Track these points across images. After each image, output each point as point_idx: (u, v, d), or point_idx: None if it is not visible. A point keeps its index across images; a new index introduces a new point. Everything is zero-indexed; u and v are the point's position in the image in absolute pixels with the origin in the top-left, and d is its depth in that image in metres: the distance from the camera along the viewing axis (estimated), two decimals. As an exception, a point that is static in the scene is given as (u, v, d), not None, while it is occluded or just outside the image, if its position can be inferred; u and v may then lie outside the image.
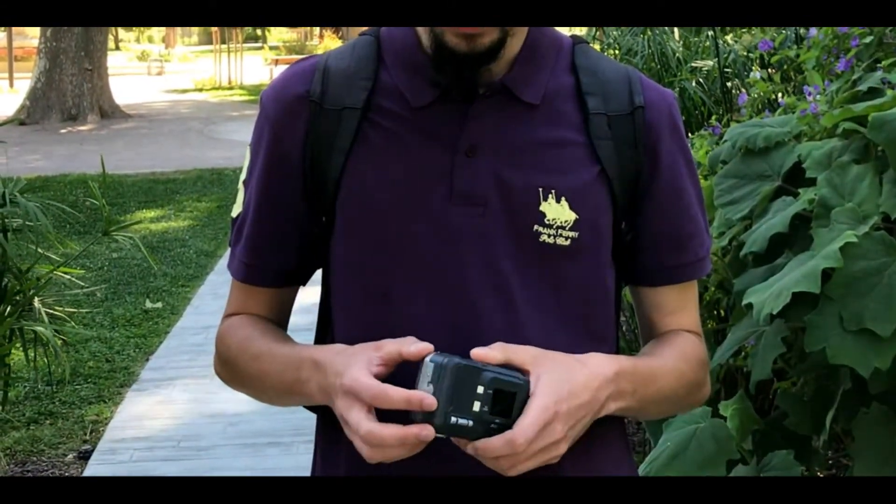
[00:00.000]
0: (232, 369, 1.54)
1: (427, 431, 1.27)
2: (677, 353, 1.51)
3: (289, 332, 1.58)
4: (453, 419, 1.27)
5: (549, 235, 1.41)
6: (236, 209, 1.55)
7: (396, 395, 1.28)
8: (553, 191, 1.41)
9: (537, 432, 1.28)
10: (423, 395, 1.27)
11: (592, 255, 1.45)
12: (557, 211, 1.41)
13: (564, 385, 1.32)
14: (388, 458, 1.30)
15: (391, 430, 1.27)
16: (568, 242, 1.42)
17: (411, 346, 1.32)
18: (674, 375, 1.49)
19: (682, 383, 1.51)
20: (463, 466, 1.37)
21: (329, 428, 1.50)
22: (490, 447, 1.28)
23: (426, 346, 1.31)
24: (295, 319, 1.60)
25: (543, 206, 1.41)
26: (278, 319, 1.58)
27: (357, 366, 1.33)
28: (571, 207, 1.42)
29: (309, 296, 1.60)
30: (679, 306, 1.55)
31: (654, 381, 1.45)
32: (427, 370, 1.29)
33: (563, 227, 1.42)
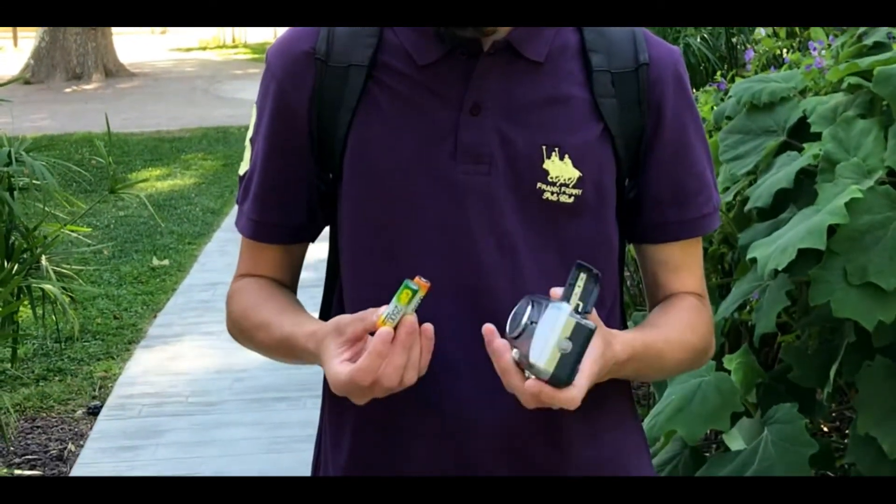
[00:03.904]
0: (239, 332, 1.56)
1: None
2: (685, 326, 1.50)
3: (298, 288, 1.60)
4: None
5: (552, 193, 1.42)
6: (243, 167, 1.55)
7: (363, 378, 1.29)
8: (556, 148, 1.41)
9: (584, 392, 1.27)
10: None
11: (596, 212, 1.45)
12: (561, 168, 1.42)
13: (602, 361, 1.30)
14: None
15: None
16: (571, 200, 1.42)
17: (372, 316, 1.32)
18: (679, 347, 1.49)
19: (685, 353, 1.51)
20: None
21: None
22: (554, 398, 1.25)
23: (378, 311, 1.31)
24: (303, 275, 1.61)
25: (547, 164, 1.41)
26: (288, 277, 1.58)
27: (330, 363, 1.33)
28: (575, 165, 1.42)
29: (315, 252, 1.61)
30: (683, 264, 1.54)
31: (659, 359, 1.46)
32: (522, 316, 1.27)
33: (567, 185, 1.42)
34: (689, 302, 1.53)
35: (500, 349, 1.26)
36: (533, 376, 1.24)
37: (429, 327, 1.31)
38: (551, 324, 1.24)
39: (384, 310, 1.30)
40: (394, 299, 1.30)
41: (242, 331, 1.54)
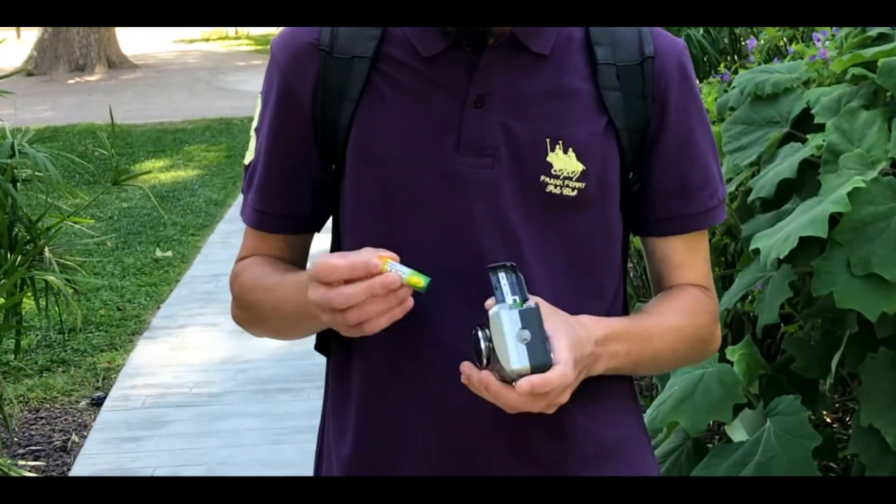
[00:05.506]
0: (248, 307, 1.54)
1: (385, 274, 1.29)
2: (677, 310, 1.50)
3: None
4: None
5: (555, 186, 1.42)
6: (248, 157, 1.55)
7: (340, 261, 1.31)
8: (560, 141, 1.41)
9: (575, 370, 1.29)
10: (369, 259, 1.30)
11: (599, 205, 1.45)
12: (564, 162, 1.42)
13: (574, 335, 1.32)
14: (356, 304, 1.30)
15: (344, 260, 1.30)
16: (575, 193, 1.42)
17: (378, 253, 1.33)
18: (673, 334, 1.49)
19: (682, 341, 1.50)
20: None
21: (339, 368, 1.52)
22: (546, 381, 1.25)
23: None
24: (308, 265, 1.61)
25: (550, 157, 1.41)
26: (293, 264, 1.58)
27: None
28: (578, 158, 1.42)
29: (320, 242, 1.61)
30: (687, 258, 1.54)
31: (648, 340, 1.45)
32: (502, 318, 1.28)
33: (570, 178, 1.42)
34: (689, 291, 1.53)
35: (483, 378, 1.28)
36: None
37: (410, 303, 1.32)
38: (500, 329, 1.27)
39: (394, 262, 1.31)
40: (409, 269, 1.31)
41: (253, 302, 1.52)
